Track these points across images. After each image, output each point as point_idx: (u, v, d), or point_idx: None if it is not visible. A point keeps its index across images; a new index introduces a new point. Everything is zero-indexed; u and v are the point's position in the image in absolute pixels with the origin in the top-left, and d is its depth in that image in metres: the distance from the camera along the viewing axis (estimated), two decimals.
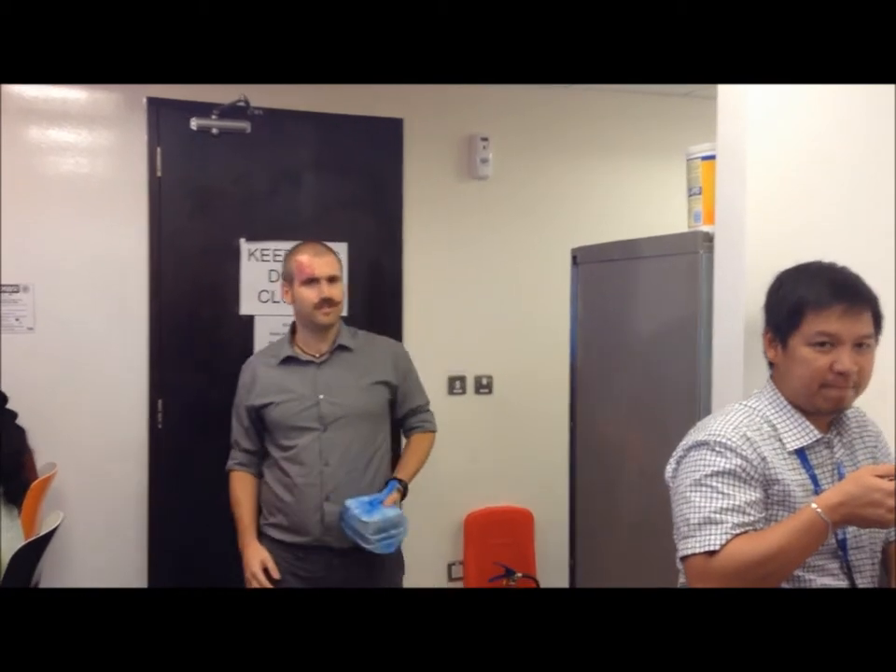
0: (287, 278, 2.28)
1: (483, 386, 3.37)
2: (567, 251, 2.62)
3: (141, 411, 2.97)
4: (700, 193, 2.06)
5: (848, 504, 1.33)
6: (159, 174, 2.97)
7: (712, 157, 1.99)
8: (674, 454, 1.55)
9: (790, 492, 1.45)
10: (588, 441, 2.55)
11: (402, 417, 2.42)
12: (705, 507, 1.43)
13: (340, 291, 2.26)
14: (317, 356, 2.26)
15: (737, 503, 1.42)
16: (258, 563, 2.18)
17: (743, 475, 1.43)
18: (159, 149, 2.96)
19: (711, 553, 1.39)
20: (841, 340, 1.44)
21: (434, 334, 3.28)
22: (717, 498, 1.43)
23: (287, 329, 2.38)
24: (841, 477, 1.48)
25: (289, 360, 2.25)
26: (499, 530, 3.32)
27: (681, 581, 1.54)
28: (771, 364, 1.57)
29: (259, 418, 2.26)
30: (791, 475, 1.46)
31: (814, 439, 1.48)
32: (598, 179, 3.44)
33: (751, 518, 1.41)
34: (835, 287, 1.45)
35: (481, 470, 3.33)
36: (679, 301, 2.07)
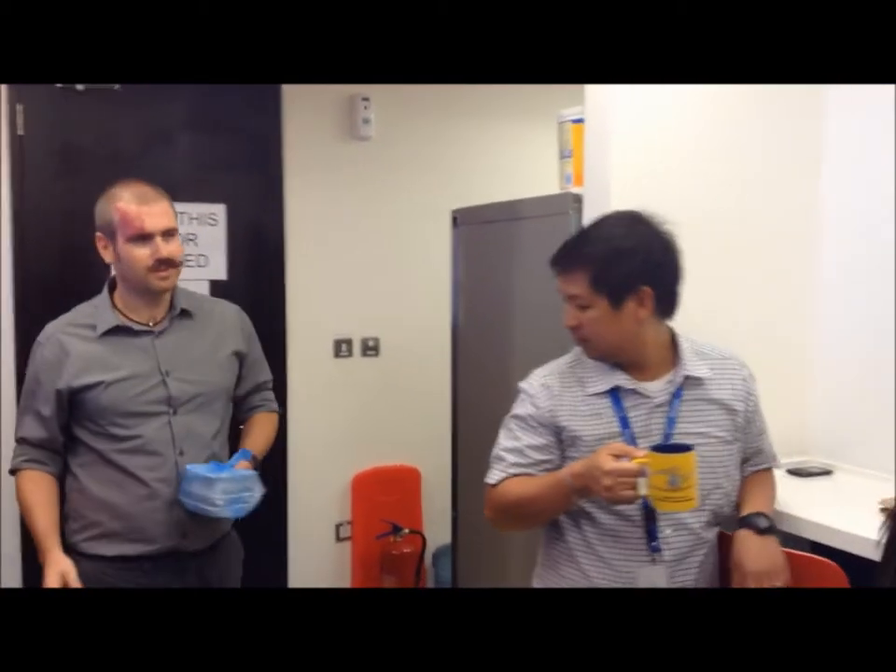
0: (107, 231, 1.79)
1: (370, 349, 3.39)
2: (449, 212, 2.66)
3: (9, 381, 2.84)
4: (571, 156, 2.13)
5: (584, 476, 1.44)
6: (20, 132, 2.80)
7: (582, 120, 2.06)
8: None
9: (579, 436, 1.56)
10: (470, 398, 2.62)
11: (245, 394, 2.01)
12: (500, 444, 1.64)
13: (179, 247, 1.83)
14: (152, 324, 1.84)
15: (520, 445, 1.60)
16: (56, 576, 1.70)
17: (530, 421, 1.61)
18: (19, 106, 2.80)
19: (493, 485, 1.61)
20: (564, 299, 1.61)
21: (319, 297, 3.26)
22: (508, 438, 1.63)
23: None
24: (669, 421, 1.57)
25: (117, 331, 1.81)
26: (387, 488, 3.37)
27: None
28: None
29: (72, 404, 1.80)
30: (588, 419, 1.57)
31: (611, 385, 1.58)
32: (480, 140, 3.47)
33: (529, 460, 1.59)
34: (556, 254, 1.62)
35: (368, 431, 3.36)
36: None
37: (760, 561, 1.50)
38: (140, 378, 1.80)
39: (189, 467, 1.78)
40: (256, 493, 1.79)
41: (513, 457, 1.60)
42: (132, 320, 1.84)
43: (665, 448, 1.47)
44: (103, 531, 1.80)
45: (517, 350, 2.33)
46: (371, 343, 3.39)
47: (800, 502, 1.80)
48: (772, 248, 2.15)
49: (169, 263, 1.79)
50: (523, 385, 1.66)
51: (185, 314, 1.88)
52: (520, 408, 1.64)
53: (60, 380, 1.79)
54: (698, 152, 2.04)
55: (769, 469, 1.73)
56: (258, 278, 3.16)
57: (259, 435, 2.00)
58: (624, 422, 1.56)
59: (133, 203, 1.77)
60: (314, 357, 3.27)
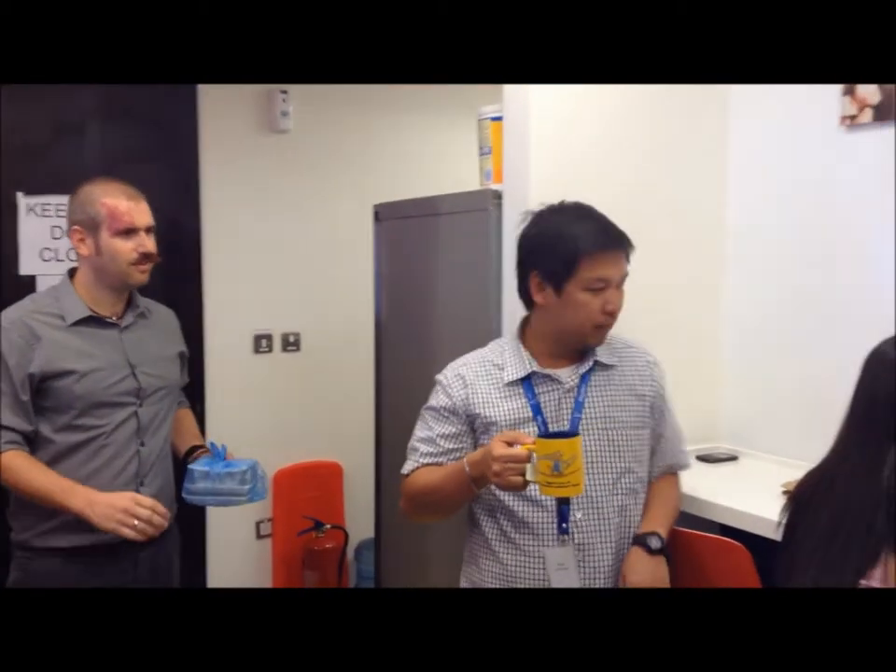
0: (88, 225, 1.84)
1: (291, 344, 3.36)
2: (371, 206, 2.66)
3: None
4: (490, 153, 2.16)
5: (479, 463, 1.48)
6: None
7: (501, 118, 2.09)
8: None
9: (493, 422, 1.60)
10: (392, 392, 2.63)
11: None
12: (414, 436, 1.69)
13: (155, 244, 1.92)
14: (115, 318, 1.90)
15: (432, 435, 1.65)
16: (126, 503, 1.71)
17: (443, 411, 1.65)
18: None
19: (406, 475, 1.68)
20: (611, 283, 1.57)
21: (237, 292, 3.21)
22: (422, 429, 1.68)
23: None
24: (577, 405, 1.61)
25: (88, 321, 1.85)
26: (309, 484, 3.35)
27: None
28: (528, 305, 1.66)
29: (41, 392, 1.79)
30: (503, 405, 1.60)
31: (527, 372, 1.61)
32: (402, 134, 3.47)
33: (440, 449, 1.64)
34: (605, 234, 1.57)
35: (289, 428, 3.32)
36: (473, 255, 2.17)
37: (644, 579, 1.54)
38: (112, 369, 1.85)
39: (195, 466, 1.90)
40: (265, 476, 2.01)
41: (425, 447, 1.66)
42: (97, 313, 1.88)
43: (553, 434, 1.49)
44: (59, 522, 1.78)
45: (439, 345, 2.35)
46: (291, 339, 3.35)
47: (708, 487, 1.88)
48: (681, 240, 2.23)
49: (150, 258, 1.90)
50: (438, 377, 1.70)
51: (141, 311, 1.97)
52: (433, 399, 1.69)
53: (31, 364, 1.77)
54: (613, 147, 2.10)
55: (675, 475, 1.77)
56: (173, 273, 3.08)
57: (193, 428, 2.12)
58: (536, 408, 1.60)
59: (123, 199, 1.86)
60: (232, 352, 3.22)
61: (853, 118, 1.97)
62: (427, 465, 1.65)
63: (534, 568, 1.59)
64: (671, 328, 2.19)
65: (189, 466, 1.92)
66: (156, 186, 3.03)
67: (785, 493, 1.73)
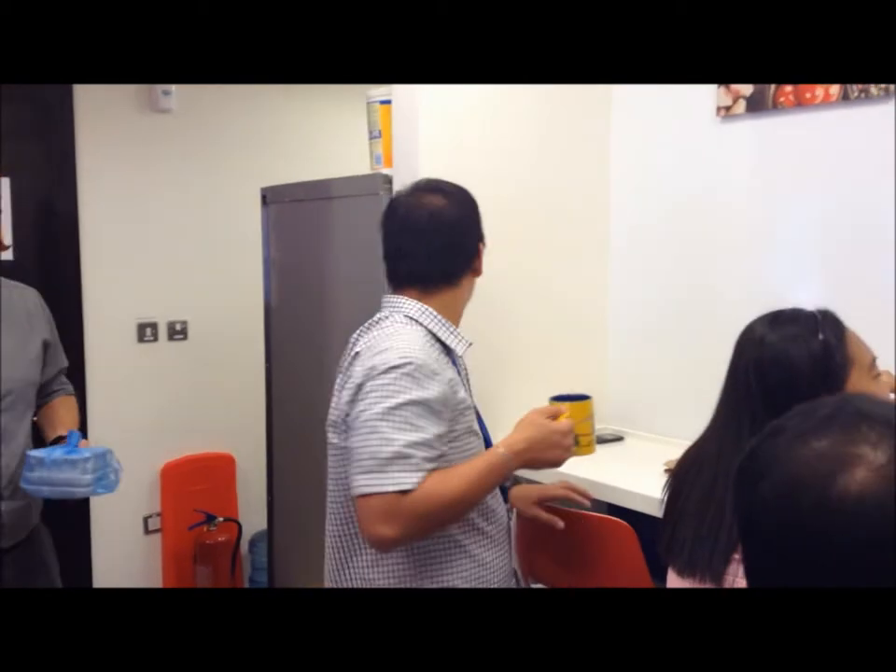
0: None
1: (178, 332, 3.24)
2: (258, 190, 2.59)
3: None
4: (380, 136, 2.14)
5: (533, 448, 1.43)
6: None
7: (390, 101, 2.07)
8: (347, 378, 1.46)
9: (469, 405, 1.49)
10: (283, 380, 2.58)
11: (46, 381, 1.91)
12: (395, 440, 1.32)
13: (2, 229, 1.76)
14: None
15: (427, 437, 1.34)
16: None
17: (435, 405, 1.37)
18: None
19: (404, 492, 1.31)
20: None
21: (119, 279, 3.07)
22: (409, 431, 1.33)
23: None
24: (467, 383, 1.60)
25: None
26: (199, 477, 3.25)
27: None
28: (451, 280, 1.55)
29: None
30: (462, 384, 1.51)
31: (467, 344, 1.54)
32: (289, 116, 3.39)
33: (437, 453, 1.36)
34: None
35: (177, 419, 3.21)
36: (363, 240, 2.14)
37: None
38: None
39: (32, 453, 1.67)
40: (118, 468, 1.73)
41: (423, 452, 1.33)
42: None
43: (576, 398, 1.55)
44: None
45: (331, 331, 2.31)
46: (178, 327, 3.24)
47: (596, 468, 1.93)
48: (567, 227, 2.28)
49: None
50: (407, 361, 1.37)
51: None
52: (417, 390, 1.35)
53: None
54: (502, 133, 2.11)
55: None
56: (48, 259, 2.93)
57: (67, 417, 1.89)
58: (467, 382, 1.60)
59: None
60: (115, 342, 3.09)
61: (728, 108, 2.05)
62: (429, 471, 1.35)
63: (506, 557, 1.57)
64: (562, 317, 2.24)
65: (28, 452, 1.70)
66: (27, 166, 2.88)
67: (667, 471, 1.80)
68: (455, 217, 1.54)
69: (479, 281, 1.62)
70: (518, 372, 2.16)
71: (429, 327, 1.49)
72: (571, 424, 1.47)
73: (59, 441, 1.79)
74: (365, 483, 1.32)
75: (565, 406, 1.51)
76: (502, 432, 1.53)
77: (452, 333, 1.52)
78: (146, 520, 3.20)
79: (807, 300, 1.32)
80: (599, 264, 2.36)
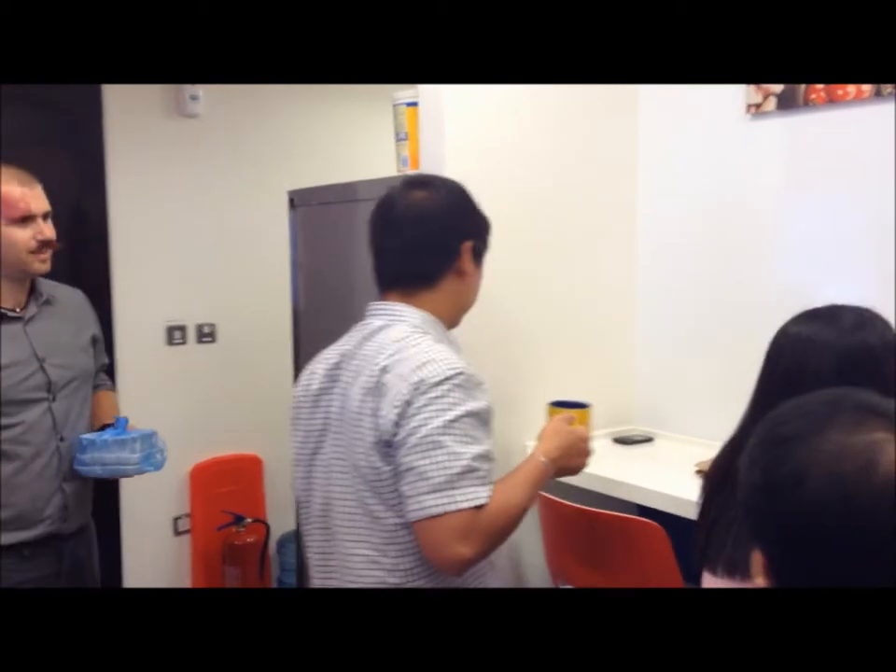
0: None
1: (206, 335, 3.27)
2: (285, 193, 2.60)
3: None
4: (406, 139, 2.13)
5: (565, 456, 1.42)
6: None
7: (416, 103, 2.07)
8: (395, 390, 1.31)
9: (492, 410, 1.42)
10: None
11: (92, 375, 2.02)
12: (461, 453, 1.24)
13: (53, 230, 1.85)
14: (18, 310, 1.81)
15: (486, 449, 1.29)
16: None
17: (486, 416, 1.32)
18: None
19: (479, 507, 1.25)
20: None
21: (149, 283, 3.11)
22: (471, 443, 1.27)
23: None
24: None
25: None
26: (227, 479, 3.27)
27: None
28: (434, 279, 1.44)
29: None
30: None
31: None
32: (315, 120, 3.41)
33: (493, 465, 1.31)
34: None
35: (206, 421, 3.24)
36: None
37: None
38: (21, 365, 1.77)
39: (84, 436, 1.81)
40: (164, 448, 1.91)
41: (487, 464, 1.29)
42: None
43: (579, 405, 1.61)
44: None
45: None
46: (206, 330, 3.27)
47: (625, 469, 1.91)
48: (594, 232, 2.26)
49: (49, 245, 1.82)
50: (460, 370, 1.30)
51: (46, 300, 1.87)
52: (470, 402, 1.28)
53: None
54: (528, 134, 2.11)
55: None
56: (78, 263, 2.96)
57: (110, 408, 2.02)
58: None
59: (15, 185, 1.77)
60: (145, 344, 3.12)
61: (758, 106, 2.03)
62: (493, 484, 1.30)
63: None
64: (590, 317, 2.23)
65: (80, 436, 1.82)
66: (58, 172, 2.92)
67: (698, 472, 1.78)
68: (436, 211, 1.41)
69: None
70: (546, 374, 2.15)
71: (437, 338, 1.39)
72: (588, 430, 1.51)
73: (105, 428, 1.92)
74: (435, 502, 1.24)
75: (573, 413, 1.54)
76: (532, 439, 1.53)
77: (453, 343, 1.44)
78: (175, 521, 3.23)
79: (840, 301, 1.29)
80: (627, 263, 2.34)
